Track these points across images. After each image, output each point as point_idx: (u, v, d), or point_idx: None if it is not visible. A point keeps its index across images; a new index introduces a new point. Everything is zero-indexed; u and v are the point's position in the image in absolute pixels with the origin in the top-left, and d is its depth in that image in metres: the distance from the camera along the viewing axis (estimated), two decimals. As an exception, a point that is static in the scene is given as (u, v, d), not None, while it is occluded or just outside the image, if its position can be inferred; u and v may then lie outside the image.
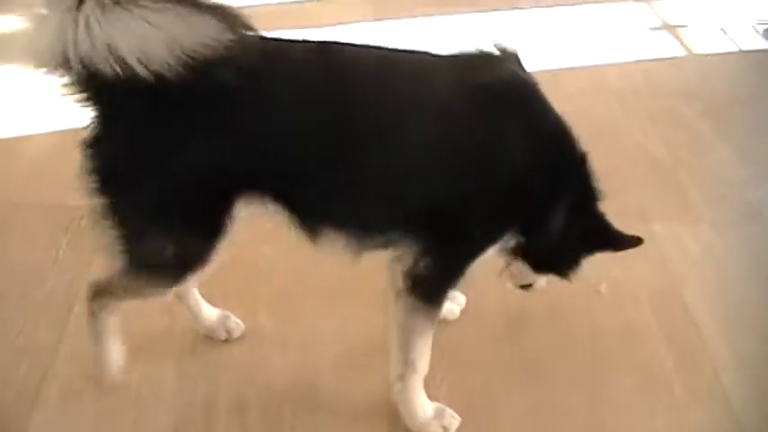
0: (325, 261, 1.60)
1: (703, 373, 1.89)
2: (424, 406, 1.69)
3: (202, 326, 1.90)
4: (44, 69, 1.33)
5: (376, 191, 1.50)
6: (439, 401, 1.73)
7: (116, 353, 1.71)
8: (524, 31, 3.40)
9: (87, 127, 1.41)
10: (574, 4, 3.77)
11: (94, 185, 1.44)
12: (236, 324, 1.91)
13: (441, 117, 1.48)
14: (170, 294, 1.64)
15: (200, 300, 1.88)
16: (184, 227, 1.48)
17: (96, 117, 1.41)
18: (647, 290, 2.10)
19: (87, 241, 2.08)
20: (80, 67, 1.28)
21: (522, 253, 1.67)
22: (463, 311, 1.99)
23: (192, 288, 1.84)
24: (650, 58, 3.31)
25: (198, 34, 1.27)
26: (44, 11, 1.28)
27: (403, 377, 1.66)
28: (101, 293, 1.64)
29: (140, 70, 1.25)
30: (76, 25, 1.25)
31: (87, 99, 1.38)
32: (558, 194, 1.57)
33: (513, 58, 1.58)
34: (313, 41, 1.51)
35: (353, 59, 1.52)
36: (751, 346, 1.98)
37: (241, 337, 1.91)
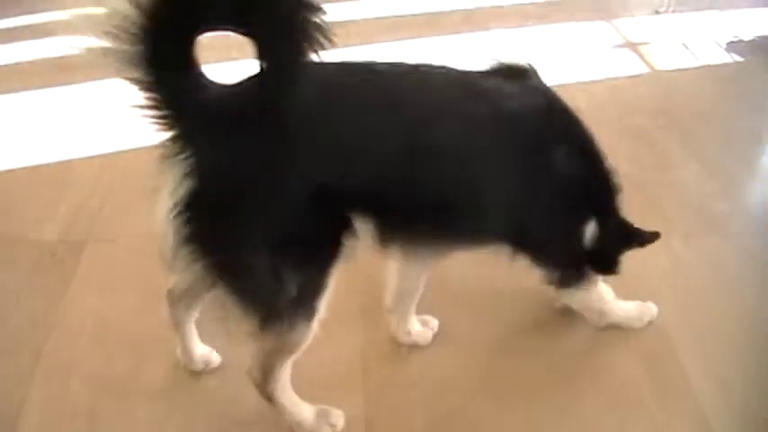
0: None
1: (676, 386, 1.89)
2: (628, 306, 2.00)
3: (188, 356, 1.86)
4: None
5: (469, 205, 1.60)
6: (415, 428, 1.74)
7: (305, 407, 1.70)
8: (488, 52, 3.43)
9: (173, 190, 1.34)
10: (537, 24, 3.82)
11: (199, 247, 1.38)
12: (216, 356, 1.89)
13: (509, 133, 1.58)
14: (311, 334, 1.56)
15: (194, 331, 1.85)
16: (308, 256, 1.47)
17: (190, 164, 1.33)
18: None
19: (54, 278, 2.11)
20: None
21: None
22: (436, 335, 1.99)
23: (192, 318, 1.81)
24: (614, 75, 3.35)
25: None
26: None
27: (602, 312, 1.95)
28: (267, 374, 1.61)
29: None
30: None
31: (178, 140, 1.34)
32: (604, 198, 1.78)
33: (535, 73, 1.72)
34: (389, 62, 1.56)
35: (427, 79, 1.58)
36: (723, 357, 1.98)
37: (218, 369, 1.89)
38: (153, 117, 1.32)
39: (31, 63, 3.36)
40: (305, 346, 1.58)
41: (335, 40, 1.27)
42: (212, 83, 1.35)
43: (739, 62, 3.63)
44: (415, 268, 1.87)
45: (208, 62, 1.34)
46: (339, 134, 1.42)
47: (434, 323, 1.99)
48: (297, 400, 1.70)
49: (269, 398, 1.66)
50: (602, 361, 1.97)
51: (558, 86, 1.74)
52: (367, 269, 1.89)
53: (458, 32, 3.60)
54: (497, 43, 3.55)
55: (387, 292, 1.93)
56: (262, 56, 1.28)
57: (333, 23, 1.27)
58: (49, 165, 2.59)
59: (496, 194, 1.61)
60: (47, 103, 3.04)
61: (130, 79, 1.28)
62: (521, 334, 2.02)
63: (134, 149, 2.64)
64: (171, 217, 1.36)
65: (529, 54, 3.39)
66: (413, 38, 3.54)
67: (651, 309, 2.06)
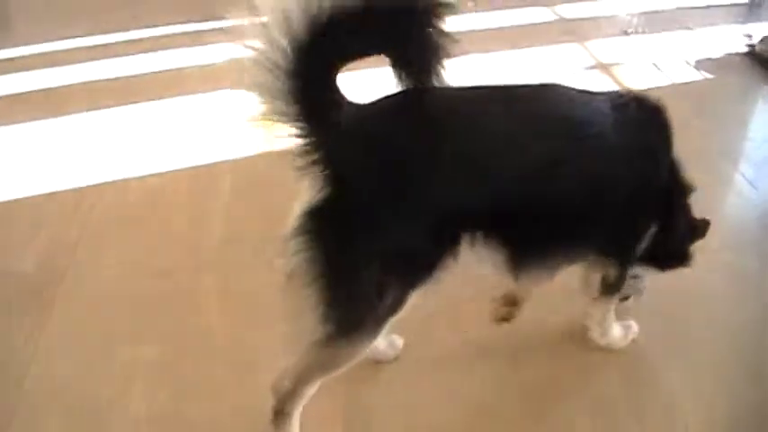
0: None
1: (656, 402, 1.90)
2: (616, 327, 2.03)
3: None
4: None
5: (592, 226, 1.70)
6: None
7: None
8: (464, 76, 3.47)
9: (314, 194, 1.43)
10: (510, 49, 3.87)
11: (319, 246, 1.44)
12: None
13: (610, 147, 1.65)
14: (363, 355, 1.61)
15: None
16: (418, 272, 1.52)
17: (327, 177, 1.41)
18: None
19: (34, 309, 2.10)
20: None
21: (652, 253, 1.89)
22: (412, 356, 1.99)
23: None
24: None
25: None
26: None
27: (600, 336, 2.00)
28: (298, 387, 1.62)
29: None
30: None
31: (323, 164, 1.41)
32: (679, 195, 1.87)
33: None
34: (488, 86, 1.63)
35: (533, 98, 1.65)
36: (702, 371, 2.01)
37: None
38: (296, 140, 1.42)
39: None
40: (350, 365, 1.61)
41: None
42: (350, 102, 1.44)
43: (709, 79, 3.70)
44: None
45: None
46: (474, 157, 1.47)
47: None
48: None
49: (282, 413, 1.65)
50: (583, 378, 1.98)
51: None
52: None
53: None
54: (473, 68, 3.59)
55: None
56: (402, 77, 1.39)
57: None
58: (27, 197, 2.60)
59: (610, 205, 1.68)
60: (26, 136, 3.06)
61: (278, 113, 1.39)
62: (502, 355, 2.03)
63: (113, 182, 2.65)
64: (300, 215, 1.45)
65: (503, 79, 3.48)
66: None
67: (633, 327, 2.08)
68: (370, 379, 1.94)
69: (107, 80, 3.38)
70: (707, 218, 1.97)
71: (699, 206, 2.37)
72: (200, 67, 3.47)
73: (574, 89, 1.70)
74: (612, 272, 1.87)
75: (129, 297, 2.14)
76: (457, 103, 1.50)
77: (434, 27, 1.36)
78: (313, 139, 1.40)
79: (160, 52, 3.58)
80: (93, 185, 2.63)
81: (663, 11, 4.22)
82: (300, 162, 1.43)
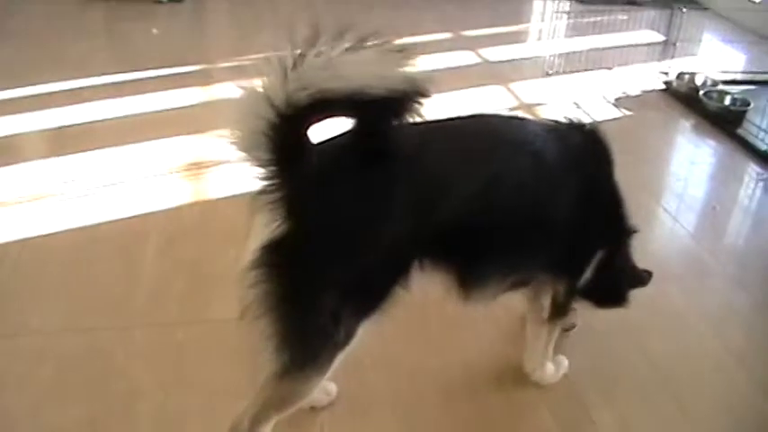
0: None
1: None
2: (551, 365, 2.06)
3: None
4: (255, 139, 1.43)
5: (536, 243, 1.77)
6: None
7: None
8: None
9: (271, 230, 1.45)
10: (437, 92, 3.92)
11: (276, 278, 1.47)
12: None
13: (566, 176, 1.76)
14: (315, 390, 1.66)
15: None
16: (371, 301, 1.57)
17: (284, 207, 1.45)
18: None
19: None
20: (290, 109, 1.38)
21: (588, 290, 1.96)
22: (344, 401, 1.98)
23: None
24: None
25: (405, 74, 1.42)
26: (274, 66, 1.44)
27: (535, 369, 2.05)
28: (255, 425, 1.64)
29: (375, 92, 1.37)
30: (285, 76, 1.41)
31: (282, 201, 1.45)
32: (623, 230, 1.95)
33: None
34: (458, 117, 1.73)
35: (494, 129, 1.79)
36: (632, 406, 2.04)
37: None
38: (259, 177, 1.47)
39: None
40: (305, 401, 1.67)
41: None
42: (312, 144, 1.49)
43: (628, 116, 3.82)
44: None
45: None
46: (418, 189, 1.54)
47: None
48: None
49: None
50: (515, 416, 2.00)
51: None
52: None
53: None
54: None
55: None
56: (359, 123, 1.46)
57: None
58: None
59: (552, 222, 1.76)
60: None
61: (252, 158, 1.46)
62: (440, 393, 2.03)
63: (37, 236, 2.58)
64: (257, 249, 1.47)
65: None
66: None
67: (563, 363, 2.11)
68: (306, 425, 1.92)
69: (32, 132, 3.32)
70: (650, 270, 2.08)
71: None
72: (119, 118, 3.44)
73: (506, 116, 1.77)
74: (562, 290, 1.92)
75: (54, 357, 2.08)
76: (402, 138, 1.54)
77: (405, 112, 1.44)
78: (277, 180, 1.46)
79: (83, 104, 3.54)
80: (16, 241, 2.56)
81: (582, 51, 4.34)
82: (259, 200, 1.48)
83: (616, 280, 2.01)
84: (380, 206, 1.50)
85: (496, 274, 1.80)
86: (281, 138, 1.42)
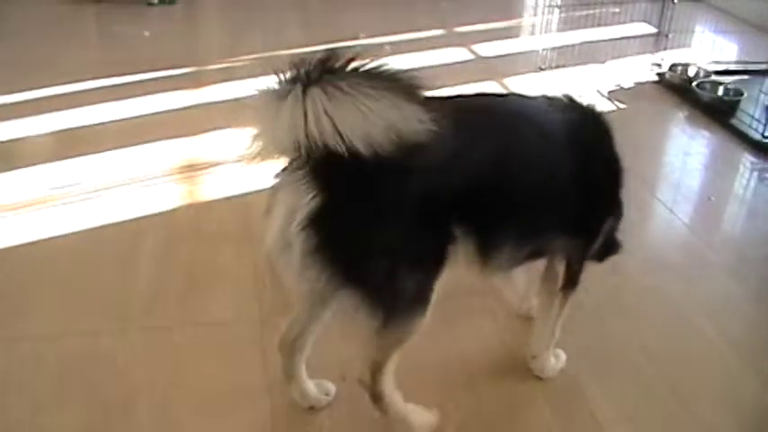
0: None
1: (586, 428, 1.93)
2: (552, 357, 2.09)
3: (309, 396, 1.94)
4: (280, 154, 1.52)
5: (550, 209, 1.83)
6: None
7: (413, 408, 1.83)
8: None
9: (307, 204, 1.50)
10: (432, 89, 3.92)
11: (329, 254, 1.53)
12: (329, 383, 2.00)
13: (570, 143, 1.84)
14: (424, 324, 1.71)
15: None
16: (421, 255, 1.64)
17: (320, 191, 1.50)
18: (525, 357, 2.12)
19: None
20: (311, 148, 1.44)
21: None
22: (344, 400, 1.97)
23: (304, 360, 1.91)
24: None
25: (409, 123, 1.45)
26: (275, 104, 1.46)
27: (541, 351, 2.06)
28: (377, 370, 1.72)
29: (365, 150, 1.42)
30: (305, 115, 1.42)
31: (311, 175, 1.51)
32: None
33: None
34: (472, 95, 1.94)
35: (503, 104, 1.93)
36: (632, 398, 2.05)
37: None
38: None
39: None
40: (416, 336, 1.71)
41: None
42: None
43: (622, 108, 3.82)
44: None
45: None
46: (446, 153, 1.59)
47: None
48: (401, 399, 1.81)
49: (380, 397, 1.75)
50: (513, 410, 2.00)
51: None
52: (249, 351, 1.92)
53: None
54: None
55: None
56: None
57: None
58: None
59: (566, 192, 1.84)
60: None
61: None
62: (433, 391, 2.01)
63: (34, 242, 2.57)
64: (298, 231, 1.52)
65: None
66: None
67: (561, 356, 2.11)
68: (306, 425, 1.92)
69: (26, 137, 3.31)
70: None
71: (620, 233, 2.44)
72: (112, 122, 3.43)
73: (513, 94, 1.84)
74: (576, 256, 1.99)
75: (53, 361, 2.08)
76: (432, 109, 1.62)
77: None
78: (303, 155, 1.48)
79: (76, 109, 3.53)
80: (13, 246, 2.56)
81: (574, 45, 4.34)
82: (284, 179, 1.56)
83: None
84: (409, 168, 1.55)
85: (515, 242, 1.84)
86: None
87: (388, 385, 1.77)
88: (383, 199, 1.56)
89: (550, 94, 1.98)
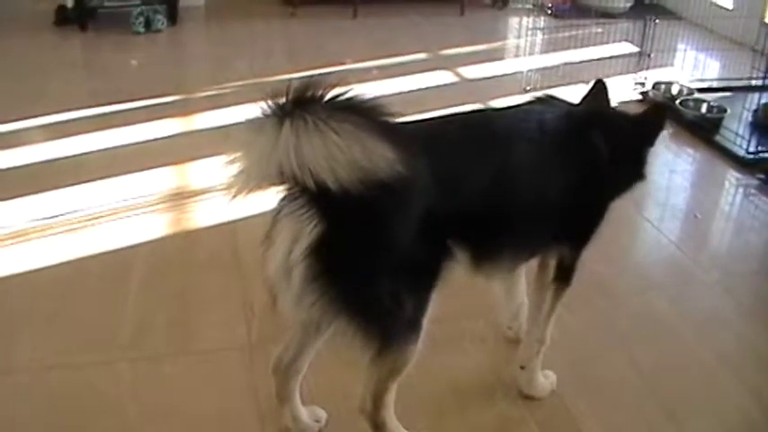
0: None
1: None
2: (541, 375, 2.10)
3: (301, 422, 1.94)
4: (260, 185, 1.51)
5: (545, 216, 1.87)
6: None
7: None
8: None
9: (309, 233, 1.52)
10: (420, 112, 3.94)
11: (328, 280, 1.55)
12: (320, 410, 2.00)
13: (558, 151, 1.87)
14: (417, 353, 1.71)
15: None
16: (422, 275, 1.67)
17: (317, 213, 1.52)
18: (516, 381, 2.12)
19: None
20: (290, 179, 1.47)
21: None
22: (338, 423, 1.97)
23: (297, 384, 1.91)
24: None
25: (373, 161, 1.45)
26: (252, 136, 1.48)
27: (531, 359, 2.06)
28: (379, 399, 1.74)
29: (332, 185, 1.43)
30: (277, 148, 1.43)
31: (310, 204, 1.53)
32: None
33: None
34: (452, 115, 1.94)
35: (491, 122, 1.93)
36: (621, 418, 2.05)
37: None
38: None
39: None
40: (411, 365, 1.72)
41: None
42: None
43: (607, 128, 3.83)
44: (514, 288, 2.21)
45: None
46: (441, 172, 1.64)
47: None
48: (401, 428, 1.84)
49: (381, 427, 1.78)
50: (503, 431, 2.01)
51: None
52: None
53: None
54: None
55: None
56: None
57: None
58: None
59: (558, 195, 1.86)
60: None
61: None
62: (423, 415, 2.01)
63: (20, 273, 2.56)
64: (299, 259, 1.53)
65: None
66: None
67: (551, 377, 2.11)
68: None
69: (12, 169, 3.31)
70: None
71: (605, 251, 2.45)
72: (99, 152, 3.43)
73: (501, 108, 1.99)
74: (569, 255, 2.00)
75: (41, 394, 2.06)
76: (423, 131, 1.74)
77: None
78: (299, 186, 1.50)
79: (63, 139, 3.53)
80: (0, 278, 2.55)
81: (558, 66, 4.38)
82: (284, 210, 1.57)
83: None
84: (409, 190, 1.56)
85: (509, 253, 1.91)
86: None
87: (390, 414, 1.78)
88: (382, 226, 1.58)
89: (526, 100, 2.01)
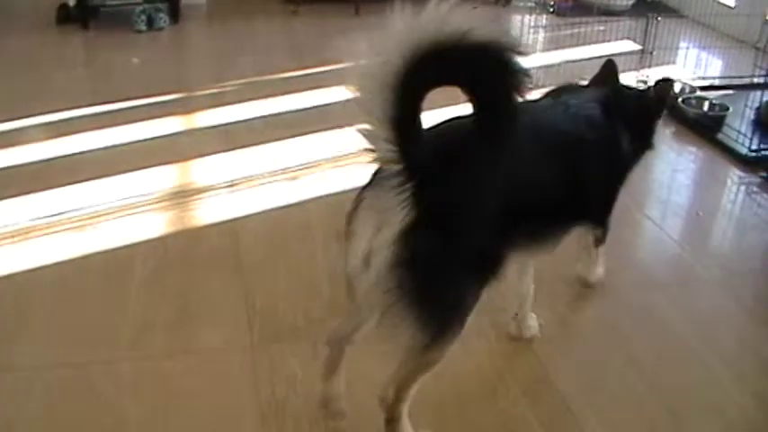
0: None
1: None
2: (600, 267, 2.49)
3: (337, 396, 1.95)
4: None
5: (585, 195, 2.00)
6: None
7: None
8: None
9: (399, 220, 1.54)
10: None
11: (410, 270, 1.58)
12: None
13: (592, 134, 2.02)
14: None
15: None
16: (493, 268, 1.74)
17: (413, 207, 1.55)
18: (518, 379, 2.14)
19: None
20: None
21: None
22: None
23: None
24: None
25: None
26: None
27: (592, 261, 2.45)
28: (401, 392, 1.76)
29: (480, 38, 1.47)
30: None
31: (406, 190, 1.55)
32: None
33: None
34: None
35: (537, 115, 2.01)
36: (623, 416, 2.05)
37: None
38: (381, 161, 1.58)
39: None
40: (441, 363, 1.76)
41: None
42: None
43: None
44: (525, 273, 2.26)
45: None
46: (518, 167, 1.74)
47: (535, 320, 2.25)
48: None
49: (395, 420, 1.78)
50: (505, 429, 2.00)
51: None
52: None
53: (320, 130, 3.68)
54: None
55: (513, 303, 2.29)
56: (479, 107, 1.54)
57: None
58: None
59: (593, 178, 2.01)
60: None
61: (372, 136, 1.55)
62: (427, 408, 2.00)
63: (21, 272, 2.56)
64: (385, 245, 1.57)
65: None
66: (297, 136, 3.60)
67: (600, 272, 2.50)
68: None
69: (14, 167, 3.31)
70: None
71: (606, 249, 2.46)
72: (101, 150, 3.43)
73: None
74: (599, 231, 2.32)
75: (41, 393, 2.07)
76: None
77: (507, 68, 1.52)
78: (404, 166, 1.54)
79: (65, 138, 3.53)
80: (0, 276, 2.55)
81: (561, 64, 4.37)
82: (378, 188, 1.60)
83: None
84: (490, 185, 1.67)
85: (558, 232, 2.04)
86: (402, 105, 1.49)
87: (405, 411, 1.80)
88: (471, 217, 1.66)
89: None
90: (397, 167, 1.54)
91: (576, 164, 1.94)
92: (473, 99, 1.54)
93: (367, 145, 1.55)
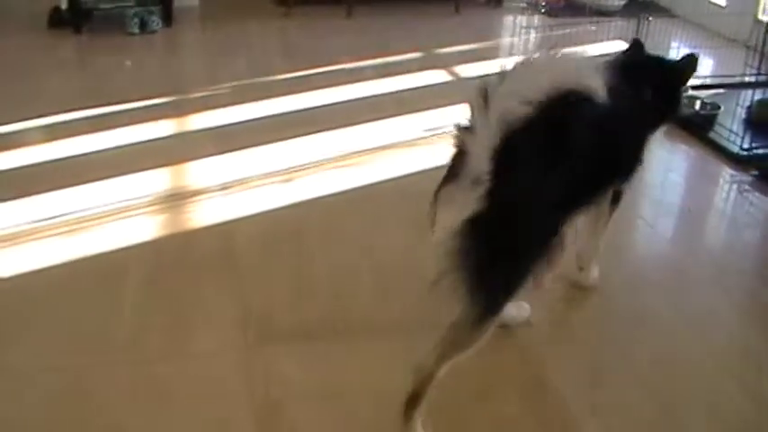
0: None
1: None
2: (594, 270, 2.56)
3: None
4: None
5: (623, 161, 2.19)
6: None
7: None
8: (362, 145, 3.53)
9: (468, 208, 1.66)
10: (415, 112, 3.97)
11: (478, 244, 1.68)
12: None
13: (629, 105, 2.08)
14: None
15: None
16: (542, 258, 1.83)
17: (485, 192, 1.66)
18: (513, 380, 2.15)
19: None
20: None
21: None
22: (332, 424, 1.99)
23: None
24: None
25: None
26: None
27: (589, 261, 2.52)
28: (437, 365, 1.80)
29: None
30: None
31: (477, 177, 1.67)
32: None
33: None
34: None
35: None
36: (619, 415, 2.05)
37: None
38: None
39: None
40: (477, 348, 1.82)
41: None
42: None
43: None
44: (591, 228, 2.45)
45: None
46: (579, 162, 1.83)
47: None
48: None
49: (417, 397, 1.82)
50: (501, 429, 2.02)
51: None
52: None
53: (332, 128, 3.70)
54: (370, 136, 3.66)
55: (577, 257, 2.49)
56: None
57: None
58: None
59: (632, 142, 2.19)
60: None
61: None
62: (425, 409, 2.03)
63: (14, 276, 2.56)
64: (454, 230, 1.68)
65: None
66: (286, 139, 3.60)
67: (596, 271, 2.54)
68: None
69: (7, 171, 3.31)
70: None
71: (600, 250, 2.47)
72: (95, 153, 3.43)
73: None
74: (621, 186, 2.35)
75: (36, 397, 2.06)
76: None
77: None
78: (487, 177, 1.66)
79: (58, 141, 3.53)
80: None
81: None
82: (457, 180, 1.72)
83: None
84: (554, 176, 1.76)
85: (598, 198, 2.22)
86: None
87: (427, 396, 1.83)
88: (534, 214, 1.75)
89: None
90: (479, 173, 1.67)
91: (619, 131, 2.03)
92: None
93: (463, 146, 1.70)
